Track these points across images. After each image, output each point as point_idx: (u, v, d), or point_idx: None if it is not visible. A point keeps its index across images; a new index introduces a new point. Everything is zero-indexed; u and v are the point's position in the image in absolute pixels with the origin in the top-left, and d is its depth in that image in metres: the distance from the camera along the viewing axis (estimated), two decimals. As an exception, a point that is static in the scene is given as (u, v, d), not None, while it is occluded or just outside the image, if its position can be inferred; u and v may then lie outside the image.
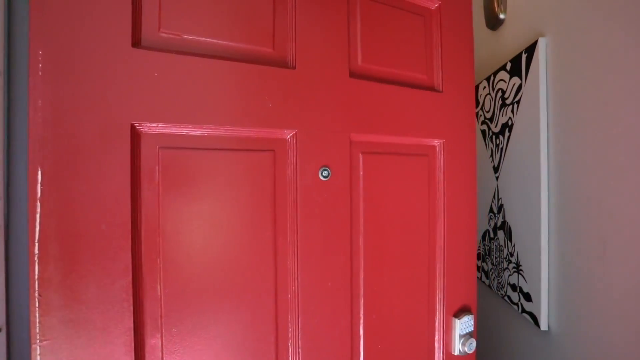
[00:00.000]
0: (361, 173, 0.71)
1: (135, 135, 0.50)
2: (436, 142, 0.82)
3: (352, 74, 0.70)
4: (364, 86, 0.70)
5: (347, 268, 0.68)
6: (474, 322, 0.84)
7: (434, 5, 0.82)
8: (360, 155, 0.71)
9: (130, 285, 0.49)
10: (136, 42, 0.51)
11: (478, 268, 1.40)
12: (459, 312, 0.83)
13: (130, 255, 0.49)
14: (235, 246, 0.58)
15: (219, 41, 0.57)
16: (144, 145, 0.51)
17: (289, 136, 0.63)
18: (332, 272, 0.66)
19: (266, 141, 0.61)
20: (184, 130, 0.54)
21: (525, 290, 1.04)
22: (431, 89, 0.82)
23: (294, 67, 0.63)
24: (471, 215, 0.86)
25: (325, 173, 0.65)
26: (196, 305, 0.55)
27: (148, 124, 0.51)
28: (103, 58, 0.48)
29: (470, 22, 0.87)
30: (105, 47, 0.48)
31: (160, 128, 0.52)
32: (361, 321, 0.71)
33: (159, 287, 0.52)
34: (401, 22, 0.77)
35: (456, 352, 0.81)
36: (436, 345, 0.81)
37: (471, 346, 0.80)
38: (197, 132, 0.55)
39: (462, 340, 0.80)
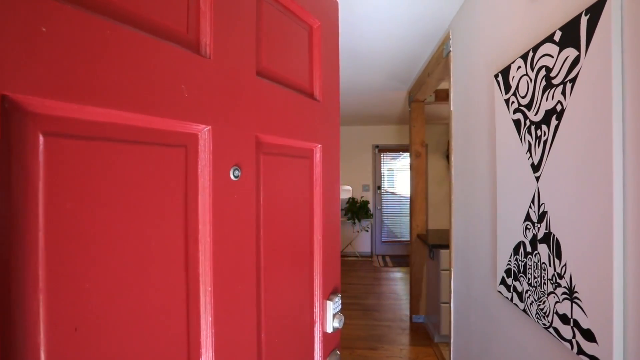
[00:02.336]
0: (261, 173, 0.72)
1: (7, 112, 0.34)
2: (315, 146, 0.92)
3: (259, 73, 0.70)
4: (267, 87, 0.71)
5: (254, 268, 0.68)
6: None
7: (316, 25, 0.91)
8: (261, 156, 0.72)
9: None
10: (8, -24, 0.34)
11: (508, 288, 1.19)
12: (331, 295, 0.96)
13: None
14: (143, 256, 0.48)
15: (128, 6, 0.45)
16: (20, 128, 0.35)
17: (203, 131, 0.57)
18: (242, 273, 0.64)
19: (179, 135, 0.53)
20: (81, 114, 0.40)
21: (584, 325, 0.79)
22: (312, 97, 0.91)
23: (209, 57, 0.57)
24: (336, 212, 1.01)
25: (236, 173, 0.63)
26: (98, 328, 0.42)
27: (30, 98, 0.35)
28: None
29: (337, 43, 1.01)
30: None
31: (48, 106, 0.37)
32: (263, 318, 0.71)
33: (41, 328, 0.37)
34: (294, 33, 0.82)
35: (330, 330, 0.93)
36: (315, 327, 0.91)
37: (341, 322, 0.94)
38: (99, 117, 0.42)
39: (334, 319, 0.93)
